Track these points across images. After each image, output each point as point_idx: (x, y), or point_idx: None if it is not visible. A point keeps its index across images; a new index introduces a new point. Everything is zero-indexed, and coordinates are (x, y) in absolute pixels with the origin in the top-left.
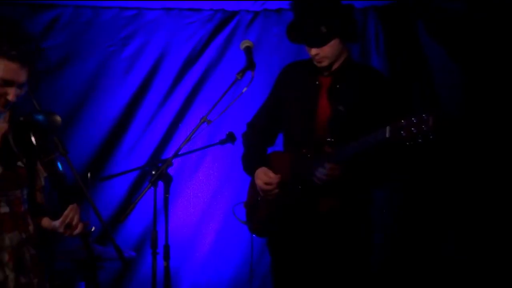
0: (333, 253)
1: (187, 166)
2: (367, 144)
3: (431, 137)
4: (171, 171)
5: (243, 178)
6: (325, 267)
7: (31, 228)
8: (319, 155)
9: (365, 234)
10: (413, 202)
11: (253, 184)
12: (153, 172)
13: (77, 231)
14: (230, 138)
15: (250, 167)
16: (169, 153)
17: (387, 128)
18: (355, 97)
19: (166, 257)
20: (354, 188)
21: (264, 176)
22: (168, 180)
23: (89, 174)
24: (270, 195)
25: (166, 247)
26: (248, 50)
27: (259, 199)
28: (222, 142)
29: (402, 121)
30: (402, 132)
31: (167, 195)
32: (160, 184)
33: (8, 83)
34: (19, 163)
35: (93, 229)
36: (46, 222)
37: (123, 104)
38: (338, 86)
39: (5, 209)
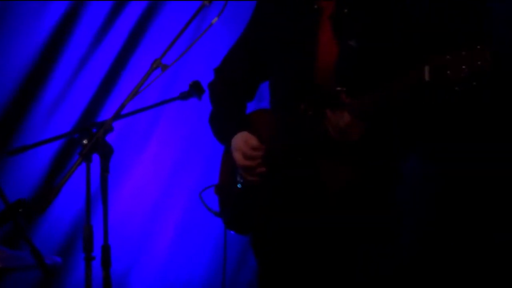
0: (346, 252)
1: (134, 132)
2: (398, 93)
3: (489, 77)
4: (110, 139)
5: (214, 149)
6: (335, 270)
7: None
8: (332, 110)
9: (392, 223)
10: (457, 179)
11: (227, 158)
12: (85, 142)
13: None
14: (195, 89)
15: (223, 132)
16: (107, 113)
17: (426, 68)
18: (371, 25)
19: (105, 263)
20: (378, 156)
21: (244, 146)
22: (106, 153)
23: None
24: (253, 175)
25: (105, 249)
26: None
27: (238, 180)
28: (184, 96)
29: (447, 56)
30: (448, 71)
31: (106, 174)
32: (96, 158)
33: None
34: None
35: None
36: None
37: (38, 46)
38: (346, 11)
39: None
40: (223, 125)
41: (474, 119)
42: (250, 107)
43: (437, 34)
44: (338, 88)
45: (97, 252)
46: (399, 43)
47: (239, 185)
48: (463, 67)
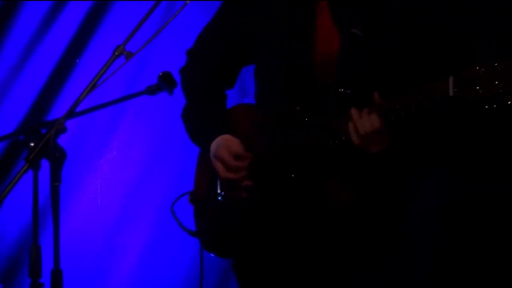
0: (351, 278)
1: (91, 133)
2: (422, 103)
3: None
4: (62, 141)
5: (187, 152)
6: None
7: None
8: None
9: (404, 245)
10: (478, 198)
11: (205, 163)
12: (32, 145)
13: None
14: (166, 82)
15: (199, 133)
16: (59, 111)
17: (450, 80)
18: (377, 9)
19: None
20: (388, 172)
21: (227, 155)
22: (58, 158)
23: None
24: (237, 189)
25: (56, 275)
26: None
27: (218, 191)
28: (152, 91)
29: (477, 67)
30: (477, 87)
31: (57, 184)
32: (45, 164)
33: None
34: None
35: None
36: None
37: None
38: None
39: None
40: (200, 124)
41: (504, 138)
42: (231, 102)
43: (443, 26)
44: (341, 90)
45: (46, 278)
46: (410, 31)
47: (219, 198)
48: (496, 82)
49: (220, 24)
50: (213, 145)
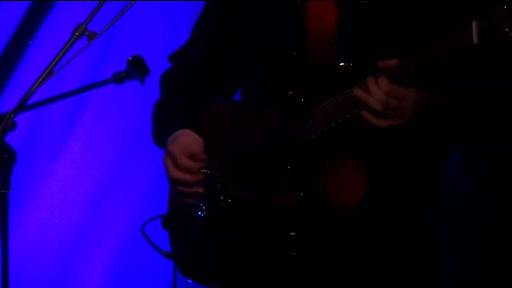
0: None
1: (47, 130)
2: (440, 58)
3: None
4: (12, 140)
5: (161, 151)
6: None
7: None
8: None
9: (425, 259)
10: None
11: None
12: None
13: None
14: (136, 69)
15: (162, 129)
16: (7, 103)
17: (473, 25)
18: None
19: None
20: (405, 159)
21: (178, 149)
22: (7, 160)
23: None
24: (186, 195)
25: None
26: None
27: (198, 204)
28: (120, 79)
29: (505, 7)
30: (506, 29)
31: (5, 191)
32: None
33: None
34: None
35: None
36: None
37: None
38: None
39: None
40: (165, 119)
41: None
42: None
43: None
44: (342, 64)
45: None
46: None
47: (199, 213)
48: None
49: (205, 20)
50: (169, 139)
